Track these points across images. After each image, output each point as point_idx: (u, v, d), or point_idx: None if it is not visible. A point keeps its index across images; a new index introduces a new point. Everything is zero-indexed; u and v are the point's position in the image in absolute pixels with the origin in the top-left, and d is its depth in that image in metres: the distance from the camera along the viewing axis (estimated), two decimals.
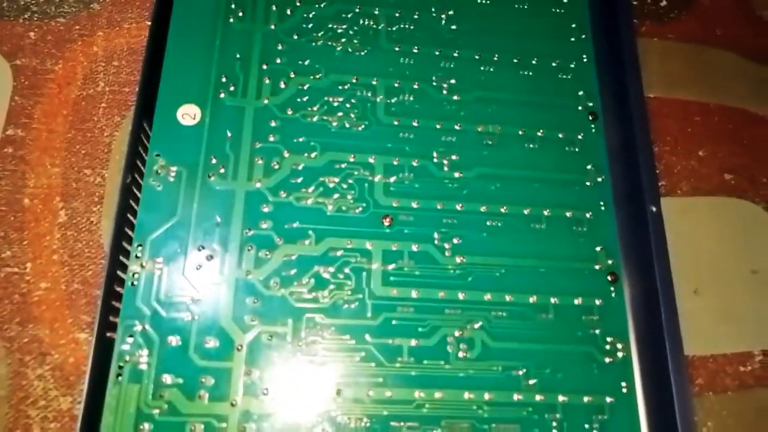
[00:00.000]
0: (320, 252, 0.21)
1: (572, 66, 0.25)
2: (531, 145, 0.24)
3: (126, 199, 0.20)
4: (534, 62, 0.25)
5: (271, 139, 0.22)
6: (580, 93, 0.25)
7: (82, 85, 0.25)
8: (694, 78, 0.29)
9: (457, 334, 0.21)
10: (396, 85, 0.24)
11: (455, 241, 0.22)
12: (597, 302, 0.22)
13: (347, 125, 0.23)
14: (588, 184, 0.23)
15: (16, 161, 0.23)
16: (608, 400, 0.20)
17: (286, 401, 0.19)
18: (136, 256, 0.20)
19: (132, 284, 0.20)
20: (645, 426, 0.20)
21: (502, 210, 0.22)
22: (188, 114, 0.22)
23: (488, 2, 0.26)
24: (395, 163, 0.23)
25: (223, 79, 0.23)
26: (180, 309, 0.20)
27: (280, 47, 0.24)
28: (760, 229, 0.26)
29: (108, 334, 0.19)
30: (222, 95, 0.22)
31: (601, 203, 0.23)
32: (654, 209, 0.22)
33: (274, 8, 0.24)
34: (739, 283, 0.25)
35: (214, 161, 0.21)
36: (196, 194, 0.21)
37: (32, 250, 0.22)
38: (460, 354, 0.20)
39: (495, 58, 0.25)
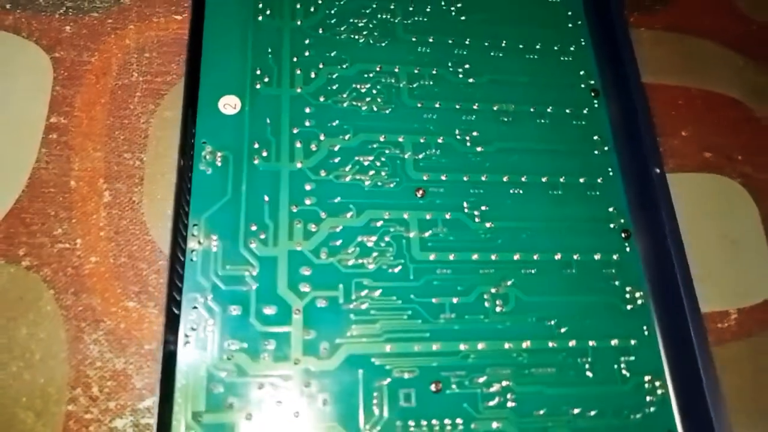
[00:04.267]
0: (362, 223, 0.23)
1: (572, 49, 0.27)
2: (542, 121, 0.26)
3: (180, 183, 0.22)
4: (538, 47, 0.27)
5: (307, 123, 0.24)
6: (581, 72, 0.27)
7: (117, 76, 0.26)
8: (678, 65, 0.31)
9: (492, 290, 0.22)
10: (416, 71, 0.26)
11: (483, 208, 0.24)
12: (614, 257, 0.24)
13: (375, 109, 0.25)
14: (596, 152, 0.26)
15: (60, 146, 0.24)
16: (632, 342, 0.22)
17: (342, 358, 0.21)
18: (193, 235, 0.21)
19: (191, 260, 0.21)
20: (666, 363, 0.22)
21: (523, 179, 0.24)
22: (229, 104, 0.24)
23: None
24: (422, 141, 0.24)
25: (258, 72, 0.24)
26: (238, 280, 0.21)
27: (307, 41, 0.25)
28: (736, 202, 0.29)
29: (173, 308, 0.20)
30: (258, 86, 0.24)
31: (609, 169, 0.25)
32: (657, 170, 0.24)
33: (298, 6, 0.26)
34: (717, 249, 0.27)
35: (256, 146, 0.23)
36: (244, 176, 0.22)
37: (81, 228, 0.23)
38: (497, 308, 0.22)
39: (503, 44, 0.27)
